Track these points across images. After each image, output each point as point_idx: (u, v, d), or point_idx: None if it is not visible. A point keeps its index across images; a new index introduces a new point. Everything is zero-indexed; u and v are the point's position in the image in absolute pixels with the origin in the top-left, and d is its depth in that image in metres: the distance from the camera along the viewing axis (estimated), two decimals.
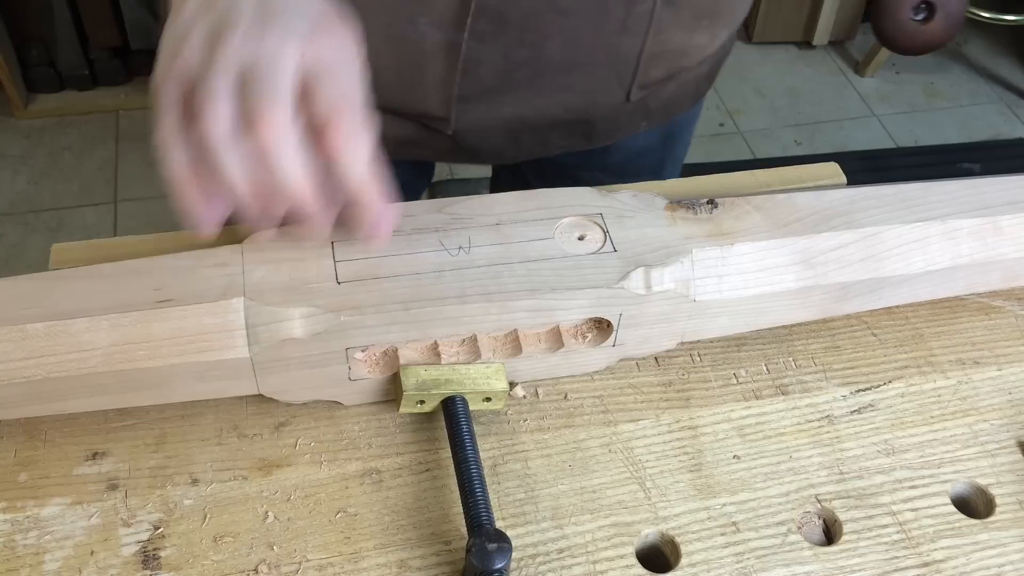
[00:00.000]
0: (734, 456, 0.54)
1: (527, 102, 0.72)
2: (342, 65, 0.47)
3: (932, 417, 0.57)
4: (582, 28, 0.67)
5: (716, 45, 0.77)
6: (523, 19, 0.65)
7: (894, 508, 0.53)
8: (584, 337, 0.55)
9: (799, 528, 0.52)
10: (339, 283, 0.51)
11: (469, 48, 0.66)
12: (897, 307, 0.63)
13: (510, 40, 0.67)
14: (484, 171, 1.00)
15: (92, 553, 0.48)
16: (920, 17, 0.67)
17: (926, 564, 0.50)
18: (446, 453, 0.53)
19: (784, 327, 0.61)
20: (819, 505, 0.53)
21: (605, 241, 0.54)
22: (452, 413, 0.52)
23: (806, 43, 2.51)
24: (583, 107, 0.75)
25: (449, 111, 0.71)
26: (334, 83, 0.46)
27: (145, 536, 0.49)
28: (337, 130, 0.45)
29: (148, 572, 0.48)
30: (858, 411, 0.57)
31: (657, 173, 0.88)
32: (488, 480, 0.51)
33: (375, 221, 0.49)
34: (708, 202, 0.57)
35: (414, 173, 0.95)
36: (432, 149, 0.77)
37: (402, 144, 0.75)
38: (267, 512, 0.50)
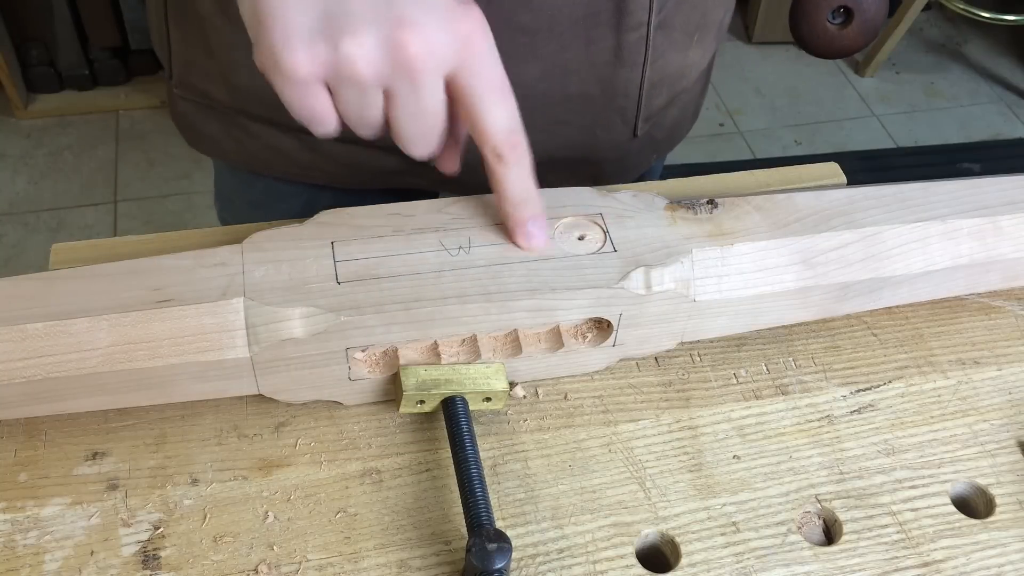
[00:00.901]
0: (734, 456, 0.54)
1: None
2: (487, 46, 0.48)
3: (932, 417, 0.57)
4: (563, 53, 0.65)
5: (708, 58, 0.76)
6: None
7: (894, 508, 0.53)
8: (584, 337, 0.55)
9: (799, 528, 0.52)
10: (339, 283, 0.51)
11: None
12: (897, 307, 0.63)
13: None
14: None
15: (92, 553, 0.48)
16: (838, 22, 0.66)
17: (926, 564, 0.50)
18: (446, 453, 0.53)
19: (784, 327, 0.61)
20: (819, 505, 0.53)
21: (605, 241, 0.54)
22: (452, 413, 0.52)
23: None
24: (584, 146, 0.72)
25: None
26: (482, 65, 0.47)
27: (145, 536, 0.49)
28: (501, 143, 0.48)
29: (148, 572, 0.48)
30: (858, 411, 0.57)
31: (647, 175, 0.87)
32: (488, 480, 0.51)
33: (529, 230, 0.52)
34: (708, 202, 0.57)
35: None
36: (425, 179, 0.76)
37: (388, 175, 0.75)
38: (267, 512, 0.50)
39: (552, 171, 0.74)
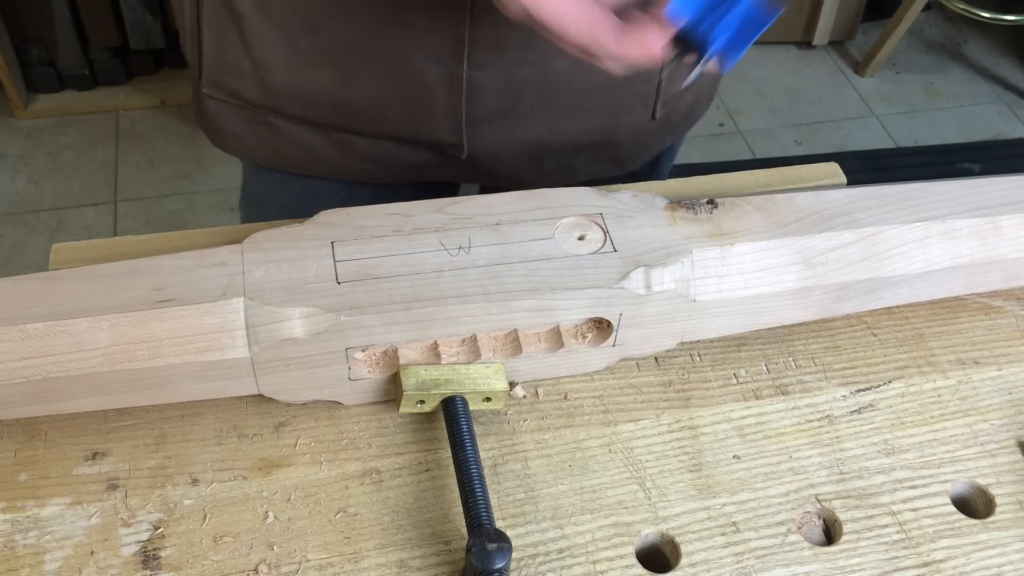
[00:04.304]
0: (734, 456, 0.54)
1: (543, 125, 0.73)
2: None
3: (932, 417, 0.57)
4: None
5: None
6: (520, 41, 0.66)
7: (894, 508, 0.53)
8: (584, 337, 0.55)
9: (799, 528, 0.52)
10: (339, 283, 0.51)
11: (470, 77, 0.67)
12: (897, 307, 0.63)
13: (511, 63, 0.67)
14: None
15: (92, 553, 0.48)
16: None
17: (926, 564, 0.50)
18: (446, 453, 0.53)
19: (784, 327, 0.61)
20: (819, 505, 0.53)
21: (605, 241, 0.54)
22: (452, 413, 0.52)
23: (806, 43, 2.51)
24: (606, 129, 0.75)
25: (460, 137, 0.72)
26: None
27: (145, 536, 0.49)
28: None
29: (148, 572, 0.48)
30: (858, 411, 0.57)
31: (656, 165, 0.88)
32: (488, 480, 0.51)
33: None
34: (708, 202, 0.57)
35: (438, 195, 0.96)
36: (450, 172, 0.78)
37: (419, 169, 0.77)
38: (267, 512, 0.50)
39: (576, 155, 0.76)
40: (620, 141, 0.76)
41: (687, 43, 0.44)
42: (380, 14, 0.64)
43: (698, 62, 0.44)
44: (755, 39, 0.44)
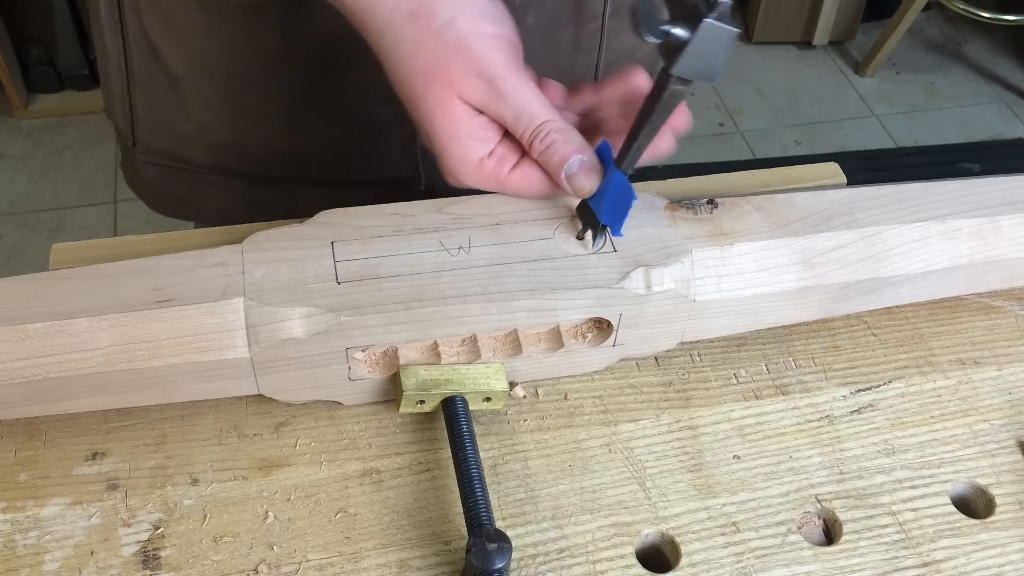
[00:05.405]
0: (734, 456, 0.54)
1: None
2: None
3: (932, 417, 0.57)
4: (533, 60, 0.67)
5: None
6: None
7: (894, 508, 0.53)
8: (584, 337, 0.55)
9: (799, 528, 0.52)
10: (339, 283, 0.51)
11: None
12: (897, 307, 0.63)
13: None
14: None
15: (92, 553, 0.48)
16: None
17: (926, 564, 0.50)
18: (446, 453, 0.53)
19: (784, 327, 0.61)
20: (819, 505, 0.53)
21: (605, 241, 0.54)
22: (452, 413, 0.52)
23: (806, 43, 2.51)
24: None
25: (418, 171, 0.71)
26: None
27: (145, 536, 0.49)
28: None
29: (148, 572, 0.48)
30: (858, 411, 0.57)
31: None
32: (488, 480, 0.51)
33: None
34: (708, 202, 0.57)
35: None
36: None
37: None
38: (267, 512, 0.50)
39: None
40: None
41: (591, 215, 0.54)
42: (324, 65, 0.63)
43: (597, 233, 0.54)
44: (628, 212, 0.53)
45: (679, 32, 0.45)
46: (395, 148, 0.69)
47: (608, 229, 0.54)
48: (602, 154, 0.53)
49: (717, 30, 0.45)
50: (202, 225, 0.80)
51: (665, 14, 0.46)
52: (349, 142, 0.69)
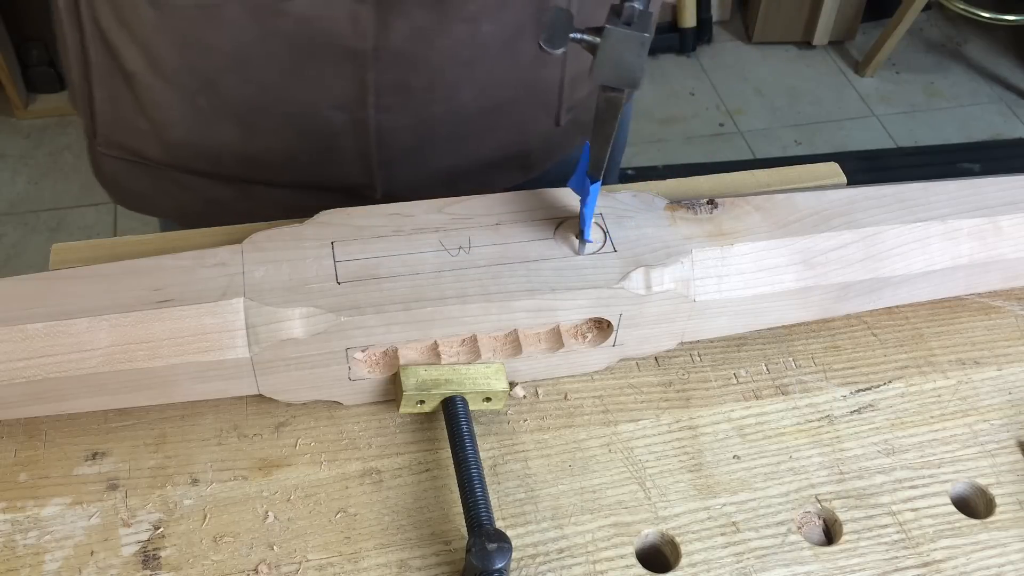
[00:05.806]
0: (734, 456, 0.54)
1: (455, 153, 0.72)
2: None
3: (932, 417, 0.57)
4: (494, 71, 0.67)
5: None
6: (428, 80, 0.65)
7: (894, 508, 0.53)
8: (584, 337, 0.55)
9: (799, 528, 0.52)
10: (339, 283, 0.51)
11: (378, 121, 0.66)
12: (897, 307, 0.63)
13: (420, 104, 0.66)
14: None
15: (92, 553, 0.48)
16: None
17: (926, 564, 0.50)
18: (446, 453, 0.53)
19: (784, 327, 0.61)
20: (819, 505, 0.53)
21: (605, 241, 0.54)
22: (452, 413, 0.52)
23: (806, 43, 2.51)
24: (515, 143, 0.75)
25: (372, 179, 0.71)
26: None
27: (145, 536, 0.49)
28: None
29: (148, 572, 0.48)
30: (858, 411, 0.57)
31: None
32: (488, 480, 0.51)
33: None
34: (708, 202, 0.57)
35: None
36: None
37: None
38: (267, 512, 0.50)
39: (489, 171, 0.76)
40: (529, 150, 0.76)
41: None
42: (278, 67, 0.63)
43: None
44: (591, 217, 0.53)
45: (592, 40, 0.45)
46: (349, 156, 0.69)
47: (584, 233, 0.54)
48: (583, 158, 0.53)
49: (623, 35, 0.45)
50: (166, 220, 0.80)
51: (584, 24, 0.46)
52: (302, 146, 0.68)
